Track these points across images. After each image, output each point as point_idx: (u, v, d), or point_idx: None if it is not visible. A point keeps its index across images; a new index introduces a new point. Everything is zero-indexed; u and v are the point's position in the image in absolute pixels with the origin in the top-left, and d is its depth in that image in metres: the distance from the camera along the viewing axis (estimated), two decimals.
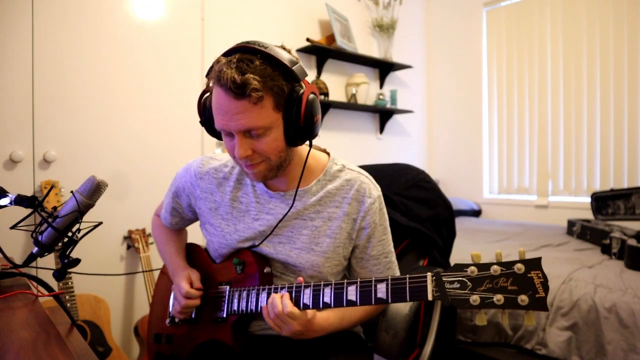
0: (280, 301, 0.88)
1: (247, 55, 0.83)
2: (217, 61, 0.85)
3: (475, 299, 0.73)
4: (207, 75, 0.89)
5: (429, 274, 0.78)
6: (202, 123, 0.95)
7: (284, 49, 0.89)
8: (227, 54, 0.85)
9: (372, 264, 1.06)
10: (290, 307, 0.87)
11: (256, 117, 0.84)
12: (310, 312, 0.90)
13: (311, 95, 0.88)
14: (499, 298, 0.72)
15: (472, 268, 0.75)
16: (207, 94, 0.93)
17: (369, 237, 1.03)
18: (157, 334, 1.16)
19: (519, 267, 0.72)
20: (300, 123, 0.87)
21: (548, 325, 1.75)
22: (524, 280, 0.71)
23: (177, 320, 1.11)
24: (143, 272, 2.07)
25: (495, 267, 0.73)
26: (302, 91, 0.87)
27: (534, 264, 0.71)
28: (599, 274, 1.83)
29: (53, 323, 0.75)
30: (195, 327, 1.08)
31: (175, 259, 1.16)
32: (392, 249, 1.09)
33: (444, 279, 0.76)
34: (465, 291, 0.74)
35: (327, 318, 0.96)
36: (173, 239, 1.21)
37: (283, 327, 0.89)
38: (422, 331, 1.36)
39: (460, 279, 0.75)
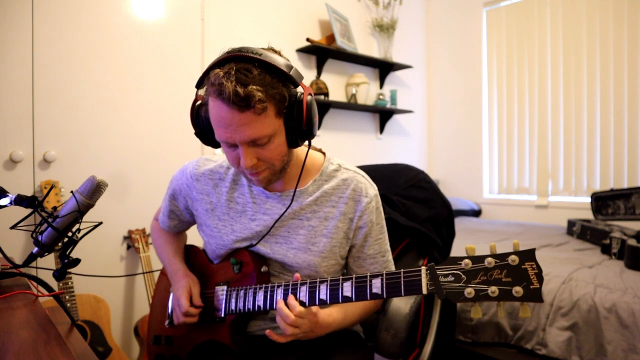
0: (286, 309, 0.87)
1: (242, 64, 0.82)
2: (212, 73, 0.83)
3: (469, 291, 0.73)
4: (197, 86, 0.88)
5: (423, 268, 0.78)
6: (198, 134, 0.94)
7: (274, 51, 0.88)
8: (220, 64, 0.84)
9: (369, 263, 1.06)
10: (298, 308, 0.86)
11: (261, 127, 0.84)
12: (313, 307, 0.89)
13: (309, 97, 0.88)
14: (493, 290, 0.71)
15: (467, 261, 0.75)
16: (198, 103, 0.92)
17: (366, 237, 1.03)
18: (157, 335, 1.16)
19: (513, 259, 0.72)
20: (303, 127, 0.88)
21: (548, 325, 1.75)
22: (518, 272, 0.71)
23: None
24: (143, 273, 2.07)
25: (489, 259, 0.73)
26: (300, 95, 0.88)
27: (528, 255, 0.71)
28: (599, 274, 1.83)
29: (53, 323, 0.75)
30: (194, 327, 1.08)
31: (174, 260, 1.16)
32: (389, 248, 1.09)
33: (438, 273, 0.76)
34: (460, 284, 0.74)
35: (330, 314, 0.96)
36: (171, 241, 1.21)
37: (297, 332, 0.88)
38: (422, 331, 1.36)
39: (455, 272, 0.75)
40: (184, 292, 1.04)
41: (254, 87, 0.80)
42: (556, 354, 1.70)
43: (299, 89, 0.89)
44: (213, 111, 0.85)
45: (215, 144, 0.94)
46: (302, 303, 0.89)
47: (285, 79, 0.86)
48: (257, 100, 0.81)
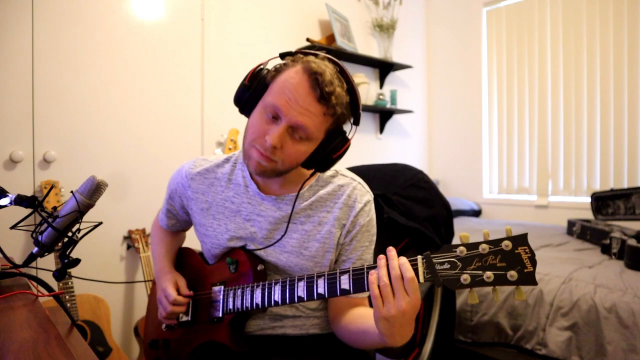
0: (408, 265, 0.76)
1: (339, 74, 0.89)
2: (319, 55, 0.89)
3: (465, 278, 0.74)
4: (284, 56, 0.92)
5: (419, 257, 0.78)
6: (244, 89, 0.92)
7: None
8: (317, 56, 0.90)
9: (345, 266, 1.02)
10: (412, 271, 0.75)
11: (314, 124, 0.87)
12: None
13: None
14: (488, 275, 0.72)
15: (461, 248, 0.75)
16: (264, 66, 0.93)
17: (352, 240, 1.01)
18: (154, 339, 1.15)
19: (507, 244, 0.73)
20: (334, 157, 0.92)
21: (548, 325, 1.75)
22: (512, 257, 0.72)
23: (172, 324, 1.11)
24: (144, 281, 2.07)
25: (483, 245, 0.74)
26: (350, 134, 0.93)
27: (521, 240, 0.72)
28: (599, 274, 1.83)
29: (53, 323, 0.75)
30: (192, 329, 1.07)
31: (163, 260, 1.16)
32: (371, 261, 1.04)
33: (434, 261, 0.77)
34: (456, 271, 0.75)
35: None
36: (166, 241, 1.21)
37: (390, 299, 0.76)
38: (422, 330, 1.36)
39: (450, 259, 0.76)
40: (169, 284, 1.05)
41: (341, 94, 0.87)
42: (556, 354, 1.70)
43: (353, 128, 0.94)
44: (290, 80, 0.87)
45: (247, 110, 0.94)
46: (300, 299, 0.83)
47: (354, 113, 0.93)
48: (334, 105, 0.86)
